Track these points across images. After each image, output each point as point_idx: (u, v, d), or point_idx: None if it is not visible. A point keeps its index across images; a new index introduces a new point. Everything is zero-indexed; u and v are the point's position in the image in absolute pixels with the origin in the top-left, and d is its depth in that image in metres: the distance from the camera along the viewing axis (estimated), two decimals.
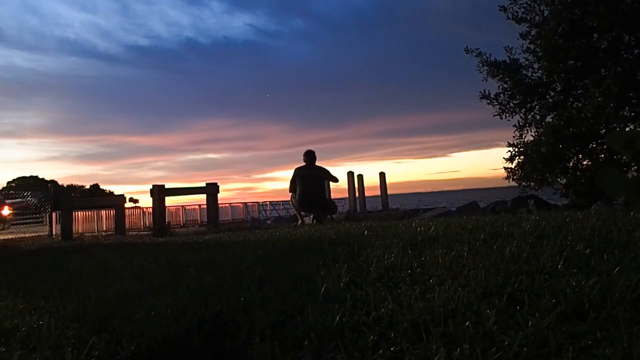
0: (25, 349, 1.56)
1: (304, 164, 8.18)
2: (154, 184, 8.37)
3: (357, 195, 17.85)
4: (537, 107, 10.05)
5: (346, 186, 17.74)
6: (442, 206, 18.10)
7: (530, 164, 9.65)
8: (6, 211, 14.17)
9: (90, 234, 12.29)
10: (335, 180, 8.41)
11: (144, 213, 22.22)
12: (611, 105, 8.61)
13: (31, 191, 15.75)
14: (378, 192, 18.56)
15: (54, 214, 13.35)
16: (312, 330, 1.36)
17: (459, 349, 1.15)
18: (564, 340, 1.14)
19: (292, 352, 1.30)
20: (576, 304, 1.34)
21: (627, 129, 8.99)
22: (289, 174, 8.15)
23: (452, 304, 1.44)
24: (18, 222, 14.28)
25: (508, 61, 9.99)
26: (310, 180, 8.02)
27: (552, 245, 2.17)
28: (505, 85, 9.99)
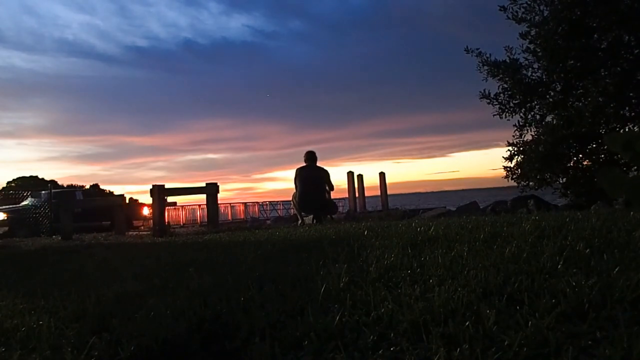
0: (25, 349, 1.56)
1: (304, 164, 8.19)
2: (153, 184, 8.23)
3: (357, 195, 17.87)
4: (537, 106, 10.04)
5: (346, 186, 17.78)
6: (442, 206, 18.08)
7: (529, 163, 9.65)
8: (146, 211, 15.04)
9: (90, 234, 12.27)
10: (331, 187, 8.43)
11: None
12: (611, 105, 8.60)
13: (31, 191, 15.81)
14: (378, 192, 18.58)
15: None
16: (312, 330, 1.36)
17: (458, 349, 1.14)
18: (564, 340, 1.14)
19: (292, 352, 1.30)
20: (576, 304, 1.34)
21: (627, 129, 9.00)
22: (288, 174, 8.21)
23: (452, 304, 1.44)
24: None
25: (508, 61, 9.98)
26: (310, 181, 8.03)
27: (552, 245, 2.17)
28: (505, 85, 9.98)
